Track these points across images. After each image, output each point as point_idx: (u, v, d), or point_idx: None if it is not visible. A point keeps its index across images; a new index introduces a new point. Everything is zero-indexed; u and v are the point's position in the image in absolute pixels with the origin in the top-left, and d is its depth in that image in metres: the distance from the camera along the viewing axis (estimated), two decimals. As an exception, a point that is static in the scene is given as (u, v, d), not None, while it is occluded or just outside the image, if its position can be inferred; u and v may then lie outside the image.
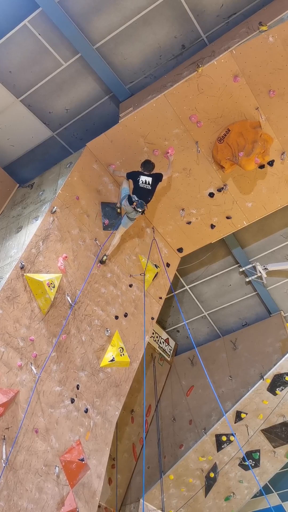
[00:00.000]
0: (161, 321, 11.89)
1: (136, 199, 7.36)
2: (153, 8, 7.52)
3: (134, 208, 7.37)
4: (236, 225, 9.12)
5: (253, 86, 7.45)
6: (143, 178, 7.52)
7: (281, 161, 8.22)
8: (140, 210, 7.40)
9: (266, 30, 6.89)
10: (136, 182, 7.53)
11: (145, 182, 7.50)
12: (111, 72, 8.11)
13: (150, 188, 7.53)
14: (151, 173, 7.62)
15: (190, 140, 8.02)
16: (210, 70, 7.32)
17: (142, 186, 7.49)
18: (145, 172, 7.59)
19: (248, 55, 7.15)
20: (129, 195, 7.46)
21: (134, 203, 7.34)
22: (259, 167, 8.21)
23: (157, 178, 7.65)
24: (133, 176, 7.59)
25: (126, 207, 7.50)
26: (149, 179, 7.52)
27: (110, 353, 7.64)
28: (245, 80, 7.40)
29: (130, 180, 7.66)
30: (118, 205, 8.25)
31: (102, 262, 7.94)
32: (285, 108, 7.63)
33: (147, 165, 7.63)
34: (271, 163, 8.26)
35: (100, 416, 7.18)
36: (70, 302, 7.00)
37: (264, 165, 8.26)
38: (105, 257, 7.93)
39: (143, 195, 7.46)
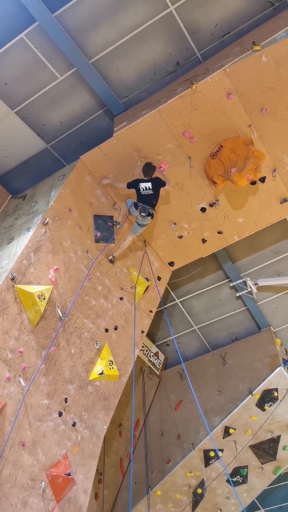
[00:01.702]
0: (151, 335, 11.87)
1: (140, 204, 7.50)
2: (149, 25, 7.63)
3: (139, 213, 7.51)
4: (227, 240, 9.18)
5: (246, 104, 7.56)
6: (143, 185, 7.59)
7: (273, 178, 8.32)
8: (144, 214, 7.52)
9: (259, 50, 7.02)
10: (138, 190, 7.62)
11: (146, 188, 7.56)
12: (106, 86, 8.19)
13: (152, 192, 7.59)
14: (151, 177, 7.66)
15: (183, 155, 8.10)
16: (204, 87, 7.42)
17: (143, 193, 7.58)
18: (145, 178, 7.64)
19: (241, 74, 7.26)
20: (134, 202, 7.61)
21: (139, 208, 7.47)
22: (250, 184, 8.31)
23: (158, 182, 7.68)
24: (133, 185, 7.66)
25: (133, 213, 7.67)
26: (149, 184, 7.57)
27: (99, 366, 7.61)
28: (238, 98, 7.51)
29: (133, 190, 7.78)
30: (119, 219, 8.34)
31: (110, 261, 8.33)
32: (277, 126, 7.74)
33: (146, 170, 7.67)
34: (262, 179, 8.36)
35: (88, 430, 7.13)
36: (60, 314, 6.98)
37: (255, 181, 8.36)
38: (112, 257, 8.30)
39: (147, 201, 7.57)
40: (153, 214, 7.67)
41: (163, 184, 7.73)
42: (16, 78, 7.99)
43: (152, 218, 7.76)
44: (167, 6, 7.47)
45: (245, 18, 7.73)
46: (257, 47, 7.02)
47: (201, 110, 7.63)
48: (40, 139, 8.86)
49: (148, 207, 7.54)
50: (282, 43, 6.89)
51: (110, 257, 8.31)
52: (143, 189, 7.58)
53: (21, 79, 8.01)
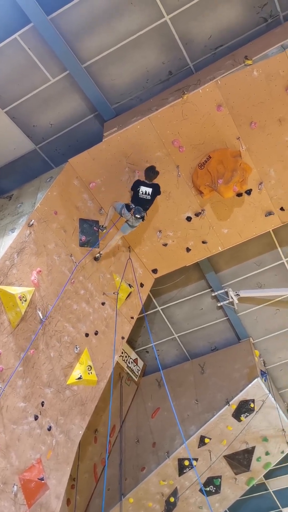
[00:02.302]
0: (131, 341, 11.85)
1: (133, 206, 7.49)
2: (144, 33, 7.68)
3: (132, 215, 7.47)
4: (211, 250, 9.24)
5: (236, 116, 7.65)
6: (143, 189, 7.57)
7: (259, 191, 8.41)
8: (139, 216, 7.51)
9: (251, 64, 7.11)
10: (136, 192, 7.59)
11: (145, 193, 7.55)
12: (98, 91, 8.20)
13: (149, 198, 7.60)
14: (152, 182, 7.66)
15: (171, 163, 8.15)
16: (195, 98, 7.48)
17: (141, 196, 7.55)
18: (146, 182, 7.64)
19: (232, 87, 7.35)
20: (126, 204, 7.57)
21: (132, 210, 7.45)
22: (237, 195, 8.39)
23: (157, 189, 7.69)
24: (134, 187, 7.65)
25: (125, 215, 7.61)
26: (149, 190, 7.56)
27: (78, 370, 7.57)
28: (228, 110, 7.59)
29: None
30: (105, 224, 8.30)
31: (96, 259, 8.28)
32: (265, 140, 7.83)
33: (149, 173, 7.65)
34: (248, 192, 8.45)
35: (63, 434, 7.08)
36: (41, 317, 6.93)
37: (241, 193, 8.45)
38: (98, 255, 8.26)
39: (141, 204, 7.55)
40: (144, 216, 7.65)
41: (159, 192, 7.75)
42: (8, 77, 7.95)
43: (143, 221, 7.74)
44: (162, 16, 7.53)
45: (238, 32, 7.83)
46: (249, 62, 7.12)
47: (191, 120, 7.69)
48: (29, 140, 8.82)
49: (142, 209, 7.52)
50: (274, 59, 7.00)
51: (97, 254, 8.27)
52: (142, 193, 7.55)
53: (13, 79, 7.96)
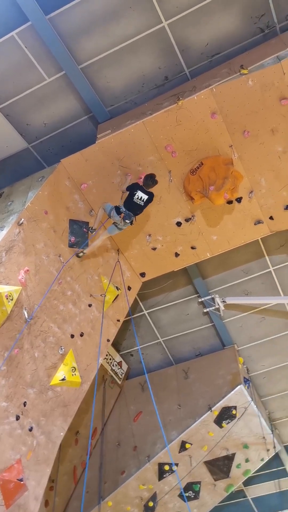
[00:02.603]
0: (116, 344, 11.83)
1: (124, 210, 7.41)
2: (141, 37, 7.72)
3: (121, 219, 7.41)
4: (200, 256, 9.28)
5: (229, 124, 7.70)
6: (140, 194, 7.49)
7: (249, 199, 8.47)
8: (128, 221, 7.46)
9: (246, 74, 7.18)
10: (131, 194, 7.50)
11: (140, 199, 7.49)
12: (93, 93, 8.21)
13: (142, 205, 7.54)
14: (149, 190, 7.61)
15: (163, 168, 8.17)
16: (190, 104, 7.53)
17: (135, 200, 7.47)
18: (144, 188, 7.57)
19: (227, 95, 7.41)
20: (116, 206, 7.49)
21: (122, 214, 7.38)
22: (227, 203, 8.44)
23: (151, 198, 7.63)
24: (131, 189, 7.57)
25: (114, 217, 7.52)
26: (145, 197, 7.50)
27: (62, 372, 7.53)
28: (222, 118, 7.64)
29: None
30: (94, 226, 8.27)
31: (78, 256, 8.12)
32: (257, 150, 7.90)
33: (149, 181, 7.57)
34: (239, 200, 8.51)
35: (44, 436, 7.03)
36: (26, 316, 6.89)
37: (232, 201, 8.50)
38: (82, 254, 8.12)
39: (133, 209, 7.49)
40: (133, 221, 7.60)
41: (152, 200, 7.68)
42: (3, 75, 7.92)
43: (131, 225, 7.68)
44: (161, 21, 7.58)
45: (235, 41, 7.91)
46: (245, 71, 7.18)
47: (185, 126, 7.73)
48: (22, 138, 8.79)
49: (132, 214, 7.49)
50: (269, 69, 7.07)
51: (80, 253, 8.11)
52: (138, 197, 7.47)
53: (8, 76, 7.94)
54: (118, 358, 11.93)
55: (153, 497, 11.03)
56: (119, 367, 11.94)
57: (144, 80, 8.22)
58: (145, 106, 8.19)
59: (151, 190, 7.62)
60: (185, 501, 10.70)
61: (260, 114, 7.50)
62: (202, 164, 8.05)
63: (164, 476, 10.74)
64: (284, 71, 6.95)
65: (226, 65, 7.80)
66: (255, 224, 8.83)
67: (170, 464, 10.57)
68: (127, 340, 11.88)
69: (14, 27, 7.40)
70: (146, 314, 11.33)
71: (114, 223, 7.71)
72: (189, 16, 7.55)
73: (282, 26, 7.79)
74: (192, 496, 11.28)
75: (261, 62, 7.23)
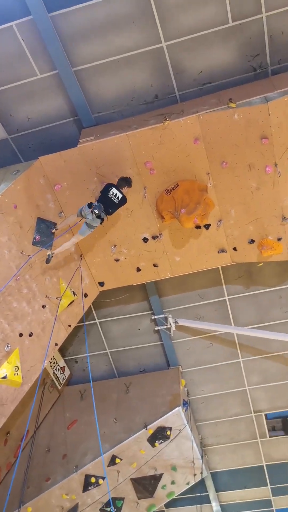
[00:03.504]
0: (62, 349, 11.70)
1: (95, 203, 7.24)
2: (139, 52, 7.83)
3: (92, 211, 7.17)
4: (160, 274, 9.36)
5: (210, 152, 7.88)
6: (114, 191, 7.43)
7: (217, 227, 8.65)
8: (97, 212, 7.17)
9: (234, 108, 7.38)
10: (106, 191, 7.43)
11: (115, 195, 7.42)
12: (83, 97, 8.22)
13: (116, 203, 7.45)
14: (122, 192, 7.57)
15: (139, 183, 8.25)
16: (175, 127, 7.66)
17: (110, 197, 7.38)
18: (119, 188, 7.53)
19: (212, 124, 7.58)
20: (89, 203, 7.28)
21: (92, 207, 7.18)
22: (195, 227, 8.58)
23: (125, 200, 7.58)
24: (105, 189, 7.47)
25: (85, 211, 7.22)
26: (120, 195, 7.45)
27: (4, 369, 7.40)
28: (204, 145, 7.81)
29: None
30: (58, 226, 8.19)
31: (47, 260, 7.78)
32: (232, 181, 8.11)
33: (123, 182, 7.55)
34: (207, 226, 8.67)
35: (-24, 432, 6.85)
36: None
37: (200, 226, 8.66)
38: (50, 254, 7.76)
39: (106, 205, 7.34)
40: (103, 219, 7.39)
41: (125, 202, 7.61)
42: (-5, 63, 7.84)
43: (101, 223, 7.44)
44: (160, 41, 7.72)
45: (227, 74, 8.14)
46: (233, 105, 7.39)
47: (167, 146, 7.85)
48: (2, 128, 8.67)
49: (103, 207, 7.30)
50: (255, 108, 7.30)
51: (49, 253, 7.77)
52: (112, 194, 7.40)
53: (0, 65, 7.85)
54: (62, 363, 11.79)
55: (74, 508, 10.91)
56: (62, 372, 11.80)
57: (135, 94, 8.31)
58: (131, 119, 8.26)
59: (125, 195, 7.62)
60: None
61: (241, 148, 7.71)
62: (178, 186, 8.17)
63: (89, 488, 10.65)
64: (270, 112, 7.20)
65: (216, 95, 8.00)
66: (218, 252, 9.01)
67: (96, 477, 10.50)
68: (73, 346, 11.77)
69: (15, 18, 7.36)
70: (98, 323, 11.29)
71: (85, 222, 7.47)
72: (188, 42, 7.73)
73: (274, 68, 8.09)
74: (114, 512, 11.21)
75: (249, 100, 7.45)
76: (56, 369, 11.51)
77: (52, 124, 8.67)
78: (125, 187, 7.63)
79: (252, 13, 7.49)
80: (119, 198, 7.49)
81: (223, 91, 8.09)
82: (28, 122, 8.62)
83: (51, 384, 11.53)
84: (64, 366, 11.89)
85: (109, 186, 7.51)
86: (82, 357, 11.88)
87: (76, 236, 7.81)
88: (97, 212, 7.21)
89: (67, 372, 11.99)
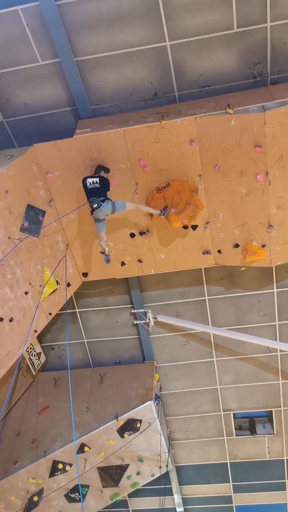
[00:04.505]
0: (40, 335, 11.72)
1: (88, 200, 7.54)
2: (142, 49, 7.85)
3: (91, 208, 7.49)
4: (144, 270, 9.47)
5: (204, 155, 7.98)
6: (90, 180, 7.66)
7: (204, 229, 8.78)
8: (96, 205, 7.42)
9: (231, 114, 7.48)
10: (85, 187, 7.67)
11: (93, 182, 7.62)
12: (82, 88, 8.22)
13: (99, 186, 7.62)
14: (98, 176, 7.77)
15: (131, 179, 8.31)
16: (172, 126, 7.73)
17: (90, 186, 7.61)
18: (91, 175, 7.75)
19: (209, 128, 7.68)
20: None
21: (88, 204, 7.51)
22: (183, 227, 8.70)
23: (104, 180, 7.75)
24: (83, 184, 7.75)
25: (91, 214, 7.64)
26: (96, 179, 7.65)
27: (-18, 353, 7.43)
28: (199, 148, 7.91)
29: None
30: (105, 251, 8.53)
31: (107, 261, 8.53)
32: (223, 185, 8.23)
33: (98, 169, 7.87)
34: (194, 227, 8.79)
35: None
36: None
37: (188, 226, 8.77)
38: (107, 254, 8.49)
39: (94, 194, 7.56)
40: (104, 202, 7.47)
41: (108, 183, 7.79)
42: (-3, 44, 7.77)
43: (113, 211, 7.58)
44: (164, 40, 7.75)
45: (227, 79, 8.21)
46: (231, 111, 7.49)
47: (162, 145, 7.92)
48: (-2, 111, 8.63)
49: (97, 198, 7.49)
50: (252, 116, 7.40)
51: (106, 254, 8.46)
52: (90, 183, 7.62)
53: (1, 48, 7.78)
54: (38, 348, 11.84)
55: (40, 492, 11.03)
56: (37, 358, 11.85)
57: (134, 90, 8.33)
58: (129, 115, 8.30)
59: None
60: (76, 501, 10.75)
61: (234, 154, 7.82)
62: (169, 185, 8.26)
63: (56, 474, 10.78)
64: (266, 122, 7.31)
65: (214, 99, 8.07)
66: (203, 254, 9.15)
67: (64, 463, 10.63)
68: (51, 333, 11.83)
69: (21, 2, 7.29)
70: (78, 313, 11.36)
71: (94, 220, 7.80)
72: (192, 43, 7.77)
73: (273, 78, 8.19)
74: (78, 499, 11.36)
75: (247, 107, 7.56)
76: (32, 355, 11.56)
77: (49, 111, 8.64)
78: (101, 172, 7.86)
79: (257, 22, 7.57)
80: (98, 181, 7.65)
81: (221, 96, 8.17)
82: (25, 107, 8.58)
83: (26, 369, 11.57)
84: (40, 352, 11.95)
85: (83, 181, 7.73)
86: (59, 344, 11.95)
87: (100, 235, 8.10)
88: (95, 205, 7.43)
89: (42, 358, 12.05)
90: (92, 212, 7.56)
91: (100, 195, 7.57)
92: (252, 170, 7.89)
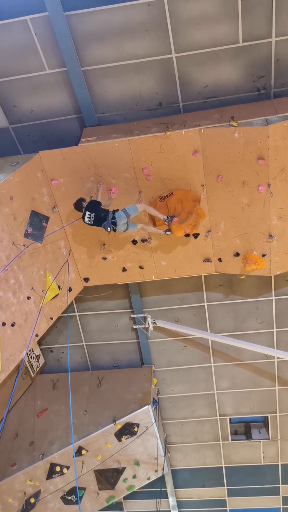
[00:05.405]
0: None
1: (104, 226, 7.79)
2: (148, 60, 7.97)
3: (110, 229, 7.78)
4: (145, 276, 9.58)
5: (207, 166, 8.10)
6: (85, 219, 7.88)
7: (205, 237, 8.90)
8: (110, 229, 7.74)
9: (235, 126, 7.61)
10: (87, 224, 7.93)
11: (89, 217, 7.83)
12: (88, 96, 8.32)
13: (94, 213, 7.80)
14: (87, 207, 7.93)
15: (135, 187, 8.42)
16: (177, 137, 7.85)
17: (91, 222, 7.86)
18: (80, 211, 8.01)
19: (212, 139, 7.80)
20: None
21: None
22: (185, 235, 8.81)
23: (92, 204, 7.90)
24: (83, 216, 7.96)
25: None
26: (87, 213, 7.85)
27: (-15, 357, 7.52)
28: (202, 158, 8.03)
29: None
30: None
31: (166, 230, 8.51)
32: (225, 196, 8.35)
33: (78, 207, 8.02)
34: (196, 235, 8.91)
35: None
36: None
37: (189, 235, 8.89)
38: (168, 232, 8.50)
39: (98, 221, 7.81)
40: (112, 217, 7.74)
41: (97, 203, 7.93)
42: (5, 52, 7.86)
43: (119, 219, 7.75)
44: (170, 52, 7.87)
45: (231, 91, 8.34)
46: (235, 123, 7.61)
47: (166, 155, 8.04)
48: (4, 117, 8.71)
49: (105, 221, 7.72)
50: (256, 129, 7.53)
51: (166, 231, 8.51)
52: (88, 220, 7.83)
53: (10, 55, 7.89)
54: (37, 351, 11.94)
55: (36, 494, 11.12)
56: (36, 360, 11.94)
57: (139, 100, 8.44)
58: (134, 124, 8.41)
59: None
60: (72, 503, 10.82)
61: (237, 165, 7.95)
62: (172, 194, 8.38)
63: (53, 476, 10.88)
64: (269, 135, 7.44)
65: (219, 111, 8.20)
66: (203, 261, 9.27)
67: (61, 466, 10.73)
68: (50, 336, 11.92)
69: (30, 12, 7.40)
70: (77, 316, 11.46)
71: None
72: (198, 56, 7.90)
73: (276, 91, 8.33)
74: (74, 501, 11.46)
75: (251, 120, 7.69)
76: (31, 357, 11.65)
77: (55, 119, 8.75)
78: (83, 203, 7.98)
79: (262, 37, 7.70)
80: (90, 212, 7.81)
81: (225, 108, 8.29)
82: (31, 114, 8.68)
83: (24, 371, 11.66)
84: (40, 355, 12.04)
85: (83, 217, 7.91)
86: (58, 347, 12.04)
87: (142, 227, 8.63)
88: (109, 229, 7.75)
89: (41, 360, 12.14)
90: (114, 230, 7.80)
91: (102, 216, 7.78)
92: (254, 182, 8.02)
